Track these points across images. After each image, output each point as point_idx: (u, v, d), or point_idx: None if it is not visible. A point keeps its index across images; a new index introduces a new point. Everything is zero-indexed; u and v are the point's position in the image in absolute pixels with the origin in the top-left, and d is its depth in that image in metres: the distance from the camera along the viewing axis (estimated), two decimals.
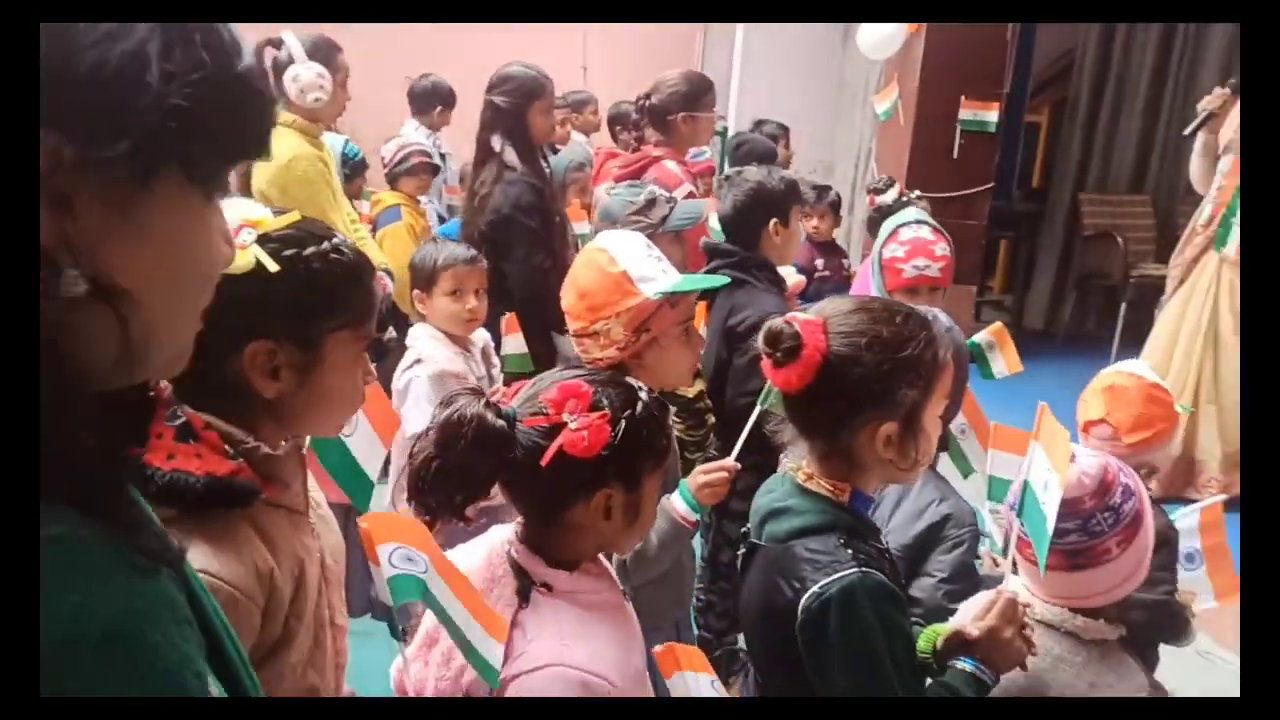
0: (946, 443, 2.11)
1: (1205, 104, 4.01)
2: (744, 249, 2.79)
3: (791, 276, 3.30)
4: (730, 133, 6.19)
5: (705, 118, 3.48)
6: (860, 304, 1.41)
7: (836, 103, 7.52)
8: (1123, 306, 5.73)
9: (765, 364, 1.38)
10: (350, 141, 4.18)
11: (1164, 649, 2.10)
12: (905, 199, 3.93)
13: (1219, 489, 3.99)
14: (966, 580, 1.83)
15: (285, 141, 3.00)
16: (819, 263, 4.31)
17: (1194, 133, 4.08)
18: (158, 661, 0.57)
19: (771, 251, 2.82)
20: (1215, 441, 3.99)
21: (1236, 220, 3.90)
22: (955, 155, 5.68)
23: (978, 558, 1.87)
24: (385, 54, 5.75)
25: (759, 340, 1.38)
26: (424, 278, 2.55)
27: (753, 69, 7.49)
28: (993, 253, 7.52)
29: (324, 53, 3.14)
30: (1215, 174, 4.02)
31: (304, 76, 3.06)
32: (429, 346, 2.49)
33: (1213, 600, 2.18)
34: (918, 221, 2.77)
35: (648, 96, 3.43)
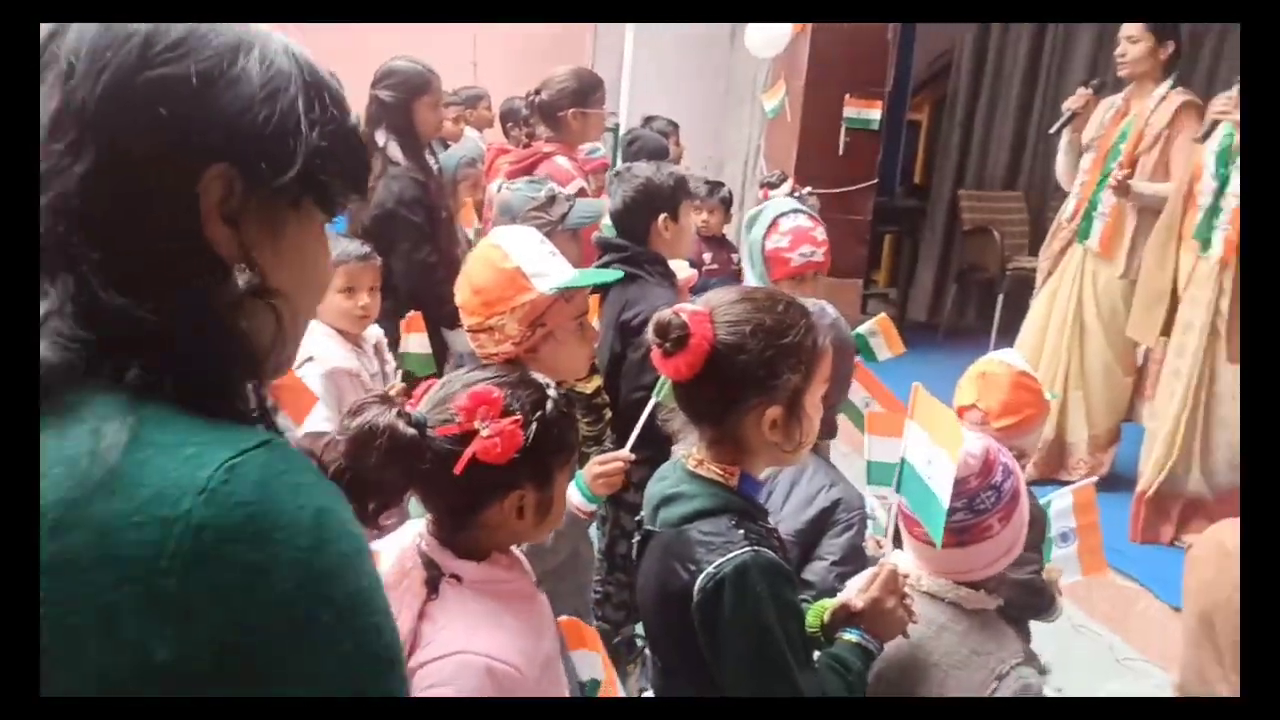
0: (834, 429, 2.18)
1: (1069, 104, 4.20)
2: (635, 244, 2.83)
3: (683, 270, 3.36)
4: (623, 129, 6.24)
5: (595, 114, 3.51)
6: (744, 294, 1.48)
7: (726, 100, 7.63)
8: (1000, 298, 5.96)
9: (655, 354, 1.43)
10: None
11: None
12: (797, 194, 4.04)
13: (1087, 470, 4.19)
14: (857, 561, 1.91)
15: None
16: (707, 257, 4.39)
17: (1059, 131, 4.27)
18: (353, 537, 0.68)
19: (662, 246, 2.87)
20: (1083, 425, 4.19)
21: (1098, 213, 4.10)
22: (841, 152, 5.83)
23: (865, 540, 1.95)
24: None
25: (648, 331, 1.43)
26: None
27: (643, 66, 7.55)
28: (878, 247, 7.73)
29: None
30: (1079, 170, 4.21)
31: None
32: (321, 344, 2.47)
33: (1079, 574, 2.30)
34: (794, 211, 2.85)
35: (537, 93, 3.45)
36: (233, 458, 0.63)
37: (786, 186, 3.97)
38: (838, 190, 5.83)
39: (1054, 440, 4.21)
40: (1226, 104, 3.41)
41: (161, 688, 0.60)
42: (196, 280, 0.69)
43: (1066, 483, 4.19)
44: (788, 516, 1.90)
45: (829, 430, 2.07)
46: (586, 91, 3.44)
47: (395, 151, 3.22)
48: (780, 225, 2.83)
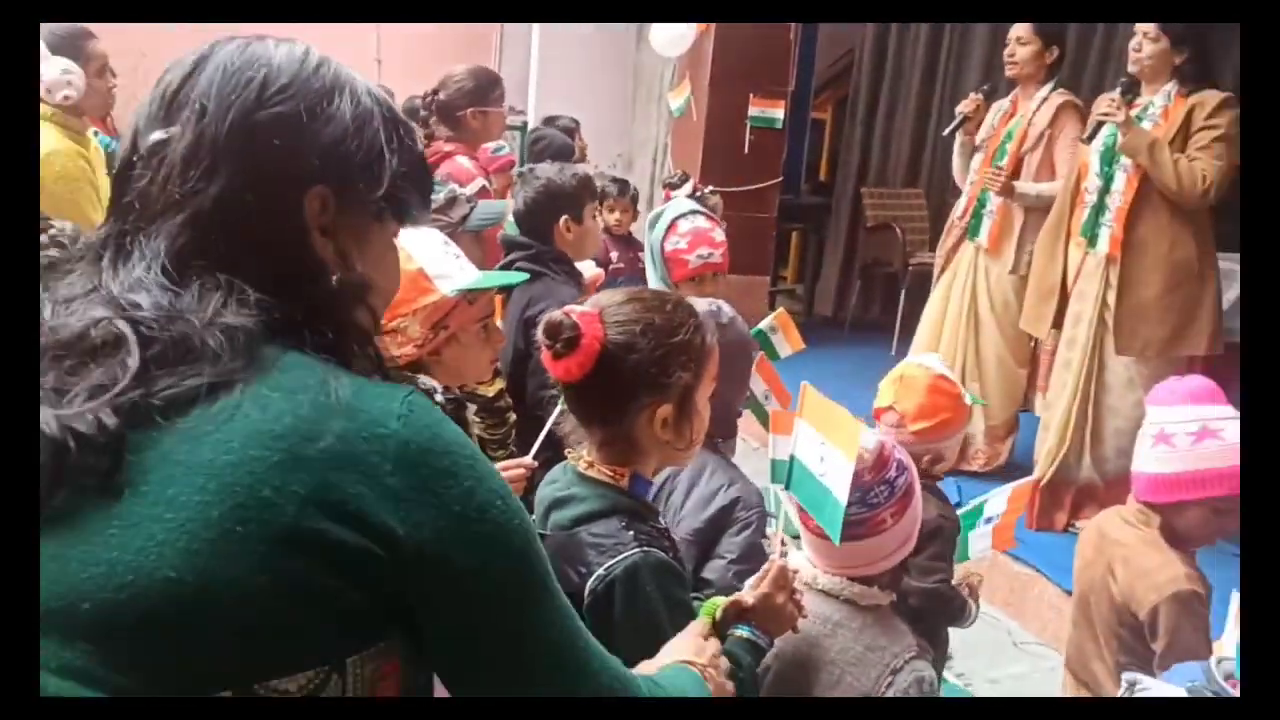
0: (734, 429, 2.20)
1: (961, 108, 4.31)
2: (540, 244, 2.83)
3: (590, 270, 3.36)
4: (530, 127, 6.22)
5: (495, 113, 3.50)
6: (632, 294, 1.49)
7: (634, 98, 7.66)
8: (903, 293, 6.09)
9: (545, 356, 1.44)
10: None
11: None
12: (699, 193, 4.07)
13: (985, 460, 4.32)
14: (756, 560, 1.92)
15: (43, 137, 2.82)
16: (615, 255, 4.39)
17: (952, 133, 4.38)
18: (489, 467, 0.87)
19: (566, 247, 2.87)
20: (980, 416, 4.31)
21: (986, 212, 4.22)
22: (746, 151, 5.90)
23: (765, 538, 1.97)
24: (165, 53, 5.43)
25: (538, 332, 1.44)
26: None
27: (550, 64, 7.53)
28: (785, 244, 7.85)
29: (71, 45, 2.94)
30: (970, 169, 4.33)
31: (48, 75, 2.86)
32: None
33: (988, 550, 2.35)
34: (692, 212, 2.87)
35: (435, 93, 3.42)
36: (406, 395, 0.83)
37: (688, 186, 4.00)
38: (743, 188, 5.89)
39: None
40: (1109, 106, 3.54)
41: (393, 557, 0.78)
42: (308, 278, 0.86)
43: (966, 473, 4.33)
44: (687, 515, 1.92)
45: (728, 430, 2.09)
46: (485, 90, 3.42)
47: None
48: (679, 227, 2.85)
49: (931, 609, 2.06)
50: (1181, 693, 1.57)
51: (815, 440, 1.54)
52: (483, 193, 3.20)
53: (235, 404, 0.77)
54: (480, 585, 0.83)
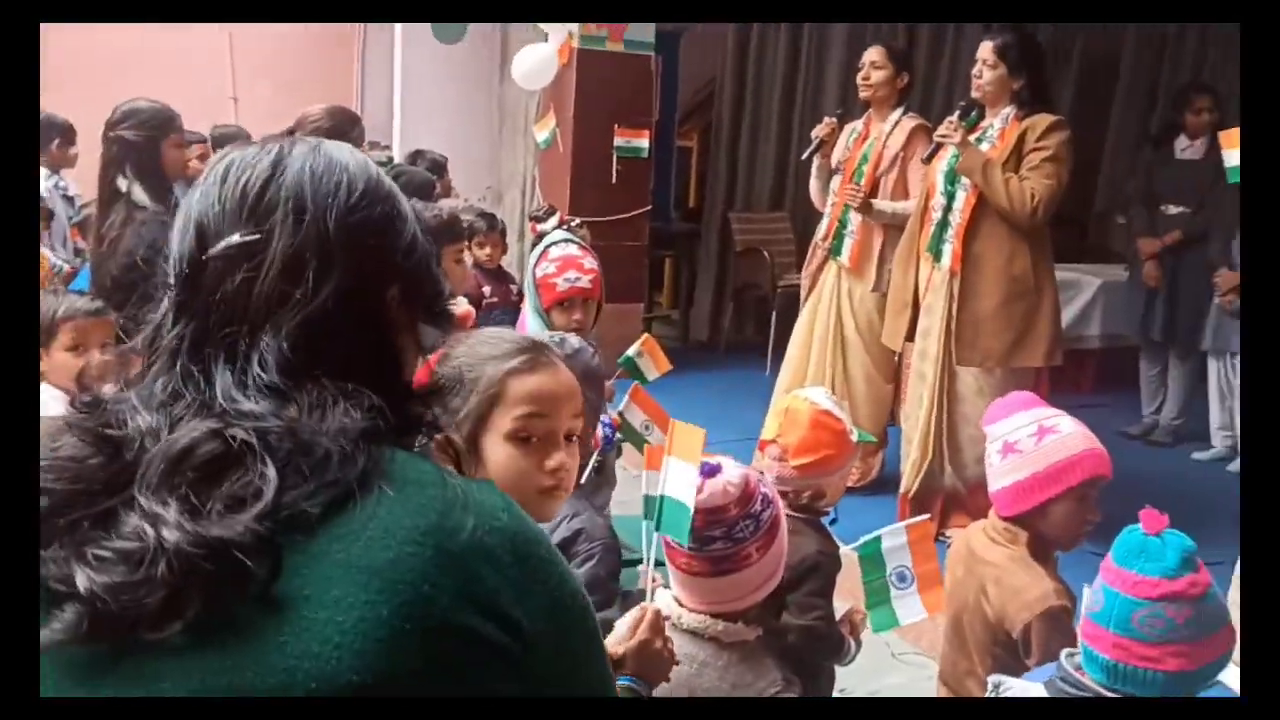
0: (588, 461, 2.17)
1: (817, 132, 4.44)
2: None
3: (459, 306, 3.33)
4: (393, 163, 6.14)
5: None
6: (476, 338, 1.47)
7: (501, 130, 7.64)
8: (774, 315, 6.21)
9: None
10: None
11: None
12: (566, 226, 4.08)
13: (859, 475, 4.41)
14: (600, 592, 1.89)
15: None
16: (487, 290, 4.36)
17: (809, 158, 4.51)
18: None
19: None
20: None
21: (848, 232, 4.34)
22: (614, 181, 5.94)
23: (614, 571, 1.95)
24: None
25: None
26: (41, 333, 2.34)
27: (413, 98, 7.47)
28: (659, 271, 7.93)
29: None
30: (830, 192, 4.46)
31: None
32: (50, 407, 2.28)
33: (923, 614, 2.17)
34: (564, 240, 2.90)
35: (290, 132, 3.34)
36: (497, 491, 0.86)
37: (555, 219, 3.99)
38: (613, 218, 5.93)
39: None
40: (948, 128, 3.70)
41: (514, 644, 0.80)
42: (401, 378, 0.90)
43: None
44: None
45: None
46: (343, 129, 3.37)
47: (140, 195, 3.05)
48: (550, 253, 2.88)
49: (809, 646, 2.03)
50: (1041, 689, 1.63)
51: (687, 474, 1.54)
52: None
53: (375, 503, 0.78)
54: (577, 661, 0.87)
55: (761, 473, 1.68)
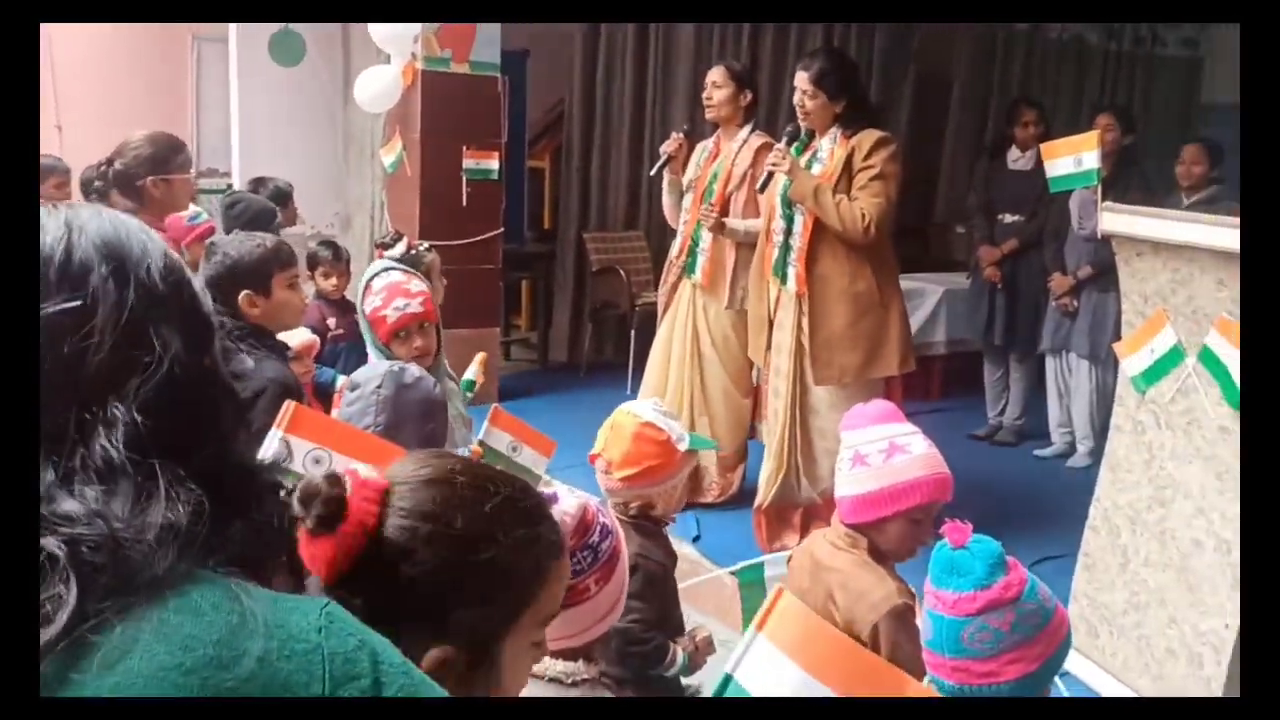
0: None
1: (664, 148, 4.47)
2: (232, 318, 2.66)
3: (296, 337, 3.19)
4: (232, 191, 5.91)
5: (180, 179, 3.28)
6: (449, 471, 1.06)
7: (347, 155, 7.45)
8: (633, 334, 6.21)
9: (301, 532, 0.99)
10: None
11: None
12: (413, 251, 3.97)
13: (719, 490, 4.44)
14: None
15: None
16: (331, 321, 4.22)
17: (658, 173, 4.53)
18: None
19: (257, 322, 2.72)
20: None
21: (700, 250, 4.37)
22: (464, 204, 5.84)
23: None
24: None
25: (294, 499, 0.98)
26: None
27: (252, 124, 7.21)
28: (517, 294, 7.84)
29: None
30: (681, 209, 4.48)
31: None
32: None
33: None
34: (386, 269, 2.82)
35: (110, 162, 3.16)
36: (323, 606, 0.76)
37: (401, 245, 3.88)
38: (465, 241, 5.83)
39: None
40: (777, 156, 3.76)
41: None
42: (219, 444, 0.80)
43: (702, 505, 4.44)
44: None
45: None
46: (165, 157, 3.20)
47: None
48: (374, 285, 2.78)
49: (622, 649, 2.04)
50: None
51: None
52: None
53: (134, 637, 0.68)
54: None
55: (603, 500, 1.63)
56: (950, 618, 1.56)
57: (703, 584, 3.26)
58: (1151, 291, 2.98)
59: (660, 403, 2.25)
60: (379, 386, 1.98)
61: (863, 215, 3.66)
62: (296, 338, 3.17)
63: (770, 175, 3.80)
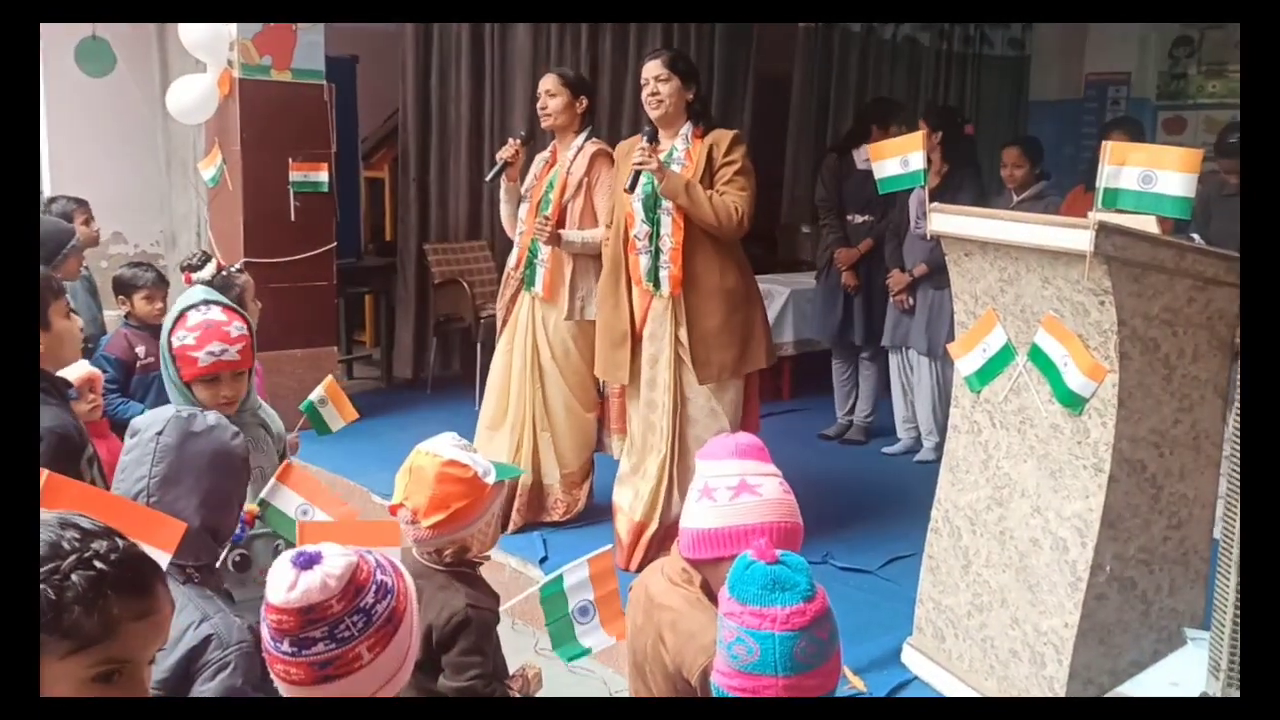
0: (215, 552, 1.89)
1: (500, 154, 4.30)
2: None
3: (75, 370, 2.90)
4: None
5: None
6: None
7: (169, 170, 7.03)
8: (478, 346, 6.02)
9: None
10: None
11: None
12: (225, 273, 3.70)
13: (564, 509, 4.30)
14: None
15: None
16: (141, 350, 3.89)
17: (494, 180, 4.36)
18: None
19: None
20: (554, 466, 4.29)
21: (539, 261, 4.22)
22: (293, 218, 5.55)
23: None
24: None
25: None
26: None
27: (63, 139, 6.72)
28: (360, 309, 7.54)
29: None
30: (519, 219, 4.32)
31: None
32: None
33: (610, 641, 2.19)
34: (205, 302, 2.54)
35: None
36: None
37: (211, 267, 3.62)
38: (295, 258, 5.55)
39: (532, 484, 4.27)
40: (642, 154, 3.64)
41: None
42: None
43: (549, 524, 4.29)
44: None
45: (208, 554, 1.81)
46: None
47: None
48: (188, 319, 2.50)
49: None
50: None
51: None
52: None
53: None
54: None
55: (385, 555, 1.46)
56: (782, 634, 1.49)
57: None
58: (981, 291, 2.98)
59: (458, 436, 2.09)
60: (160, 433, 1.75)
61: (735, 208, 3.68)
62: (75, 371, 2.88)
63: (638, 175, 3.68)
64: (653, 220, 3.78)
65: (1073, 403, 2.69)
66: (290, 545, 2.24)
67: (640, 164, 3.65)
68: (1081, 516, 2.70)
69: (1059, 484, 2.77)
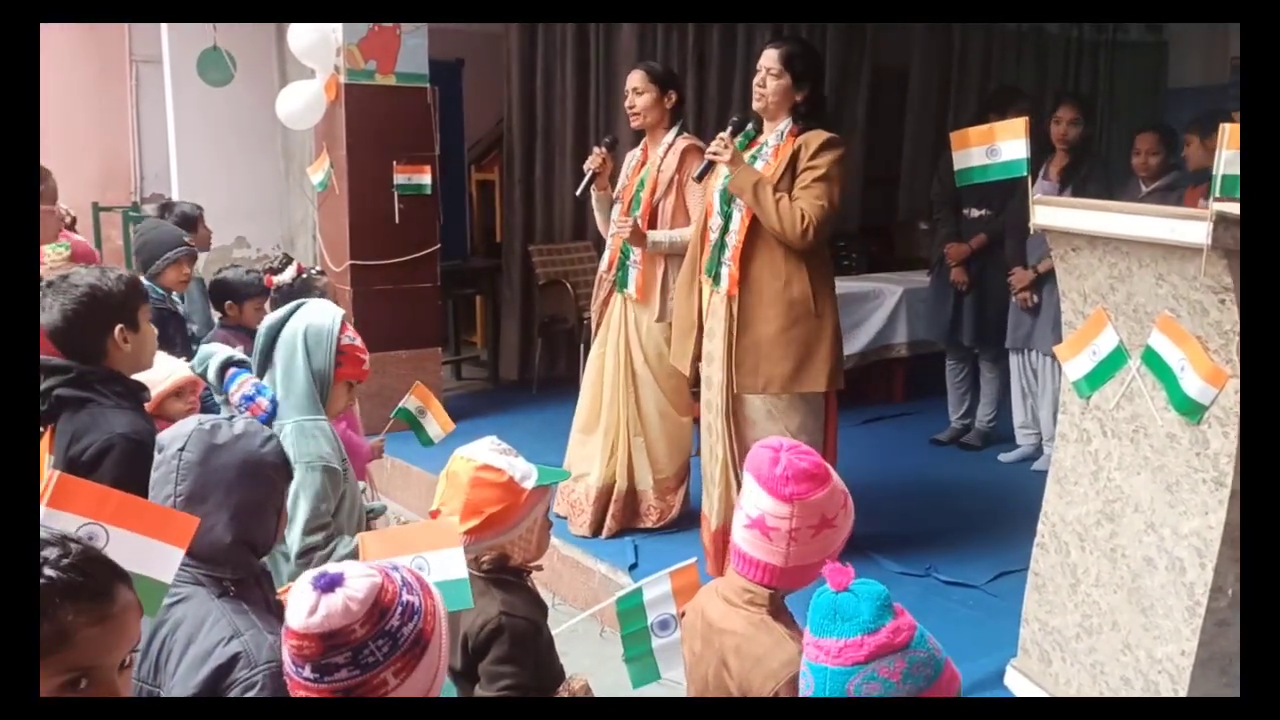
0: (253, 566, 1.86)
1: (588, 165, 4.23)
2: (84, 362, 2.42)
3: (174, 374, 2.96)
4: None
5: (44, 210, 3.05)
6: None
7: (287, 175, 7.24)
8: (581, 347, 5.98)
9: None
10: None
11: None
12: (304, 275, 3.75)
13: (657, 515, 4.19)
14: None
15: None
16: (239, 351, 3.95)
17: (585, 192, 4.29)
18: None
19: (122, 362, 2.49)
20: (648, 471, 4.19)
21: (631, 263, 4.13)
22: (397, 220, 5.61)
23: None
24: None
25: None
26: None
27: (189, 150, 7.01)
28: (470, 311, 7.61)
29: None
30: (611, 222, 4.25)
31: None
32: None
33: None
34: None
35: None
36: None
37: (291, 270, 3.66)
38: (399, 260, 5.61)
39: (626, 490, 4.18)
40: (719, 146, 3.50)
41: None
42: None
43: (641, 531, 4.20)
44: (179, 679, 1.59)
45: (245, 568, 1.77)
46: None
47: None
48: (348, 328, 2.56)
49: None
50: None
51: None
52: None
53: None
54: None
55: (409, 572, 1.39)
56: (835, 668, 1.38)
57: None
58: (1090, 289, 2.76)
59: (498, 440, 2.02)
60: (182, 449, 1.71)
61: (802, 216, 3.39)
62: (175, 376, 2.94)
63: (710, 165, 3.55)
64: (726, 214, 3.61)
65: (1191, 410, 2.44)
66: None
67: (713, 155, 3.51)
68: (1200, 535, 2.46)
69: (1175, 499, 2.53)
